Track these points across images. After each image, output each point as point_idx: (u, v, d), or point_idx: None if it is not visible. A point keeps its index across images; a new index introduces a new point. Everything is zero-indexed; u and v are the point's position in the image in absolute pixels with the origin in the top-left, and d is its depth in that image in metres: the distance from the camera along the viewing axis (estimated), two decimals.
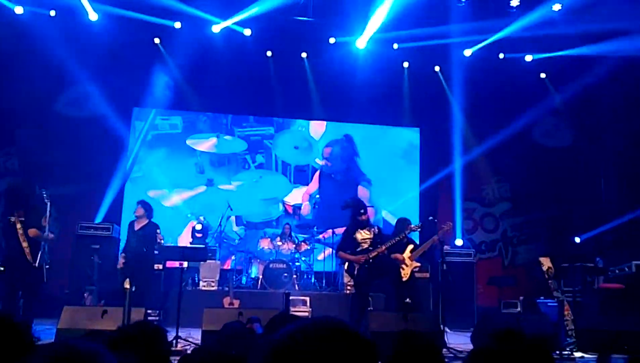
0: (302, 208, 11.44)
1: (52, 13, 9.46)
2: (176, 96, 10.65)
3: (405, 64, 11.10)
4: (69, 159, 10.02)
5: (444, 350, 5.89)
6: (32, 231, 6.29)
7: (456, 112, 11.24)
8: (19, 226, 6.23)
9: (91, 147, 10.15)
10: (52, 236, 6.61)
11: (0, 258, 6.47)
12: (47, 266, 6.37)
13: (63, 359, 0.90)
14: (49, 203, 6.33)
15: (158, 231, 7.46)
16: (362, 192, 11.54)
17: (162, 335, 2.19)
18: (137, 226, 7.68)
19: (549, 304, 8.45)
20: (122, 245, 8.24)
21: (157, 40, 10.28)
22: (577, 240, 9.47)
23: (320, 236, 10.65)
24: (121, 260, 7.51)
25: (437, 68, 11.25)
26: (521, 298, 9.71)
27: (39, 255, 6.27)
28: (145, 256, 7.51)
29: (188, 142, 11.23)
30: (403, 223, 7.43)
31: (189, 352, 5.04)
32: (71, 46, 9.53)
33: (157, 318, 8.41)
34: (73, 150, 10.09)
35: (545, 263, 7.92)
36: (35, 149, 10.07)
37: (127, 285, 5.69)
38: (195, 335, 6.37)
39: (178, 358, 2.37)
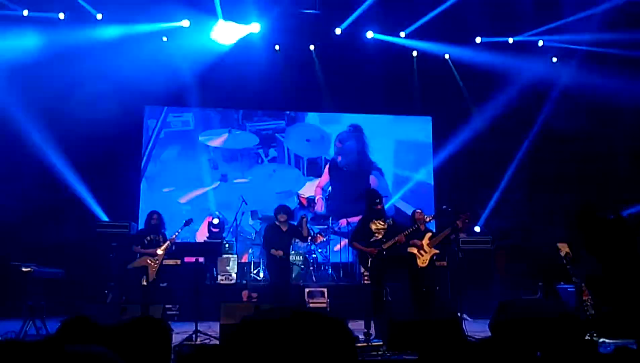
0: (315, 201, 11.47)
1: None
2: (187, 93, 10.67)
3: (414, 53, 11.03)
4: (84, 160, 10.10)
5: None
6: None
7: (468, 99, 11.16)
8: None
9: (105, 147, 10.23)
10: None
11: None
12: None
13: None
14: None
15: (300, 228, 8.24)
16: (373, 182, 11.55)
17: (159, 331, 2.17)
18: (283, 228, 8.14)
19: (568, 289, 8.38)
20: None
21: (164, 39, 10.31)
22: None
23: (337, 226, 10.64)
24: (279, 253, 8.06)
25: (447, 56, 11.17)
26: (540, 284, 9.63)
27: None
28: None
29: (200, 138, 11.29)
30: (417, 214, 7.43)
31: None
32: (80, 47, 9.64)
33: (177, 312, 8.51)
34: (87, 151, 10.17)
35: (563, 248, 7.84)
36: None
37: (144, 282, 5.75)
38: (216, 329, 6.43)
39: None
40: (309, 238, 10.02)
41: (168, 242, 7.46)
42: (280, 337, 0.98)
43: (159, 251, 7.33)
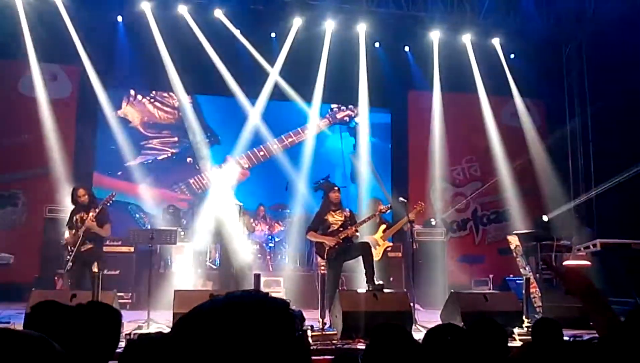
0: None
1: None
2: (144, 77, 10.40)
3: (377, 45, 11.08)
4: (36, 141, 9.77)
5: (413, 326, 5.98)
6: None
7: (427, 93, 11.30)
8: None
9: (60, 129, 9.93)
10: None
11: None
12: None
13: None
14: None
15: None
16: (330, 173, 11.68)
17: (108, 315, 2.18)
18: None
19: (517, 281, 8.62)
20: None
21: (119, 19, 10.00)
22: (545, 218, 9.65)
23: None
24: None
25: (406, 48, 11.26)
26: (491, 276, 9.89)
27: None
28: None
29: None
30: (374, 203, 7.48)
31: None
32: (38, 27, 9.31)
33: (129, 300, 8.35)
34: (41, 132, 9.84)
35: (513, 241, 8.08)
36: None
37: (95, 269, 5.63)
38: (169, 318, 6.35)
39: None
40: (267, 227, 10.04)
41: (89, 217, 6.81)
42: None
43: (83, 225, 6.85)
